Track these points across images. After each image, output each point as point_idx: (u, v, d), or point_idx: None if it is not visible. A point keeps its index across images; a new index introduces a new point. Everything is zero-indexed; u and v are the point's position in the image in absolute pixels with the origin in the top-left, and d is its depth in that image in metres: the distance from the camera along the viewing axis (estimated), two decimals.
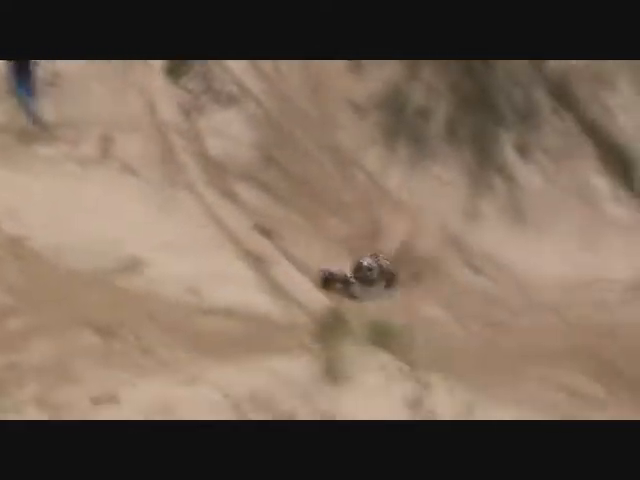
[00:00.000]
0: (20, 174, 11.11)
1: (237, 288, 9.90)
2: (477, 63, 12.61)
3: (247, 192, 11.64)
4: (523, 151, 12.73)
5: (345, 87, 12.94)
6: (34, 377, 7.53)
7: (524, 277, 10.87)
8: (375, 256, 11.09)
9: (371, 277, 10.94)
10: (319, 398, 7.09)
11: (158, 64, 12.50)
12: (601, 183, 12.77)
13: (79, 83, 12.15)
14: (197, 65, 12.56)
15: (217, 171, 11.81)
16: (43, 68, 12.00)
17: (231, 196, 11.56)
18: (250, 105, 12.46)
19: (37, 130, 11.83)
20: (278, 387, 7.19)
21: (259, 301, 9.79)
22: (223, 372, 7.58)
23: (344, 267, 11.09)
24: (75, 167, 11.47)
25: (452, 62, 12.53)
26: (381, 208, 11.93)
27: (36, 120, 11.95)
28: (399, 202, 12.08)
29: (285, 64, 12.68)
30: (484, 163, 12.57)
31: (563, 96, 12.95)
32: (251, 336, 8.91)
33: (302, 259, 10.85)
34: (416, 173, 12.37)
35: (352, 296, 10.90)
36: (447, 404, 7.14)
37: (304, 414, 6.70)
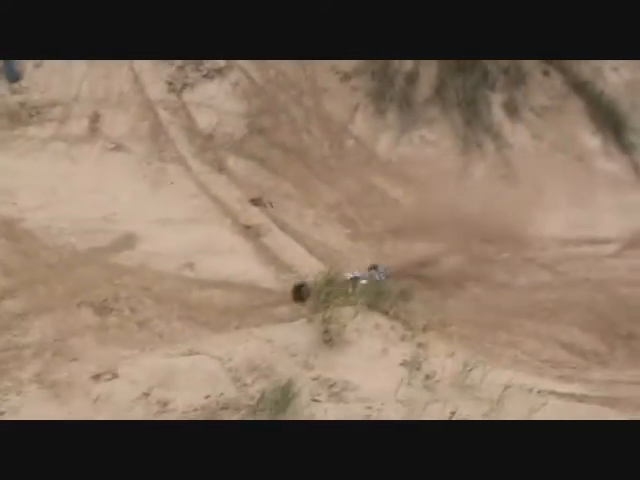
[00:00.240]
0: (11, 156, 11.13)
1: (231, 258, 9.90)
2: None
3: (237, 163, 11.62)
4: (511, 110, 12.73)
5: None
6: (34, 356, 7.59)
7: (516, 235, 10.87)
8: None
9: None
10: (318, 364, 7.13)
11: None
12: (591, 139, 12.77)
13: (65, 61, 12.09)
14: None
15: (206, 143, 11.80)
16: None
17: (221, 168, 11.54)
18: (236, 75, 12.41)
19: (26, 111, 11.82)
20: (276, 355, 7.22)
21: (253, 270, 9.79)
22: (220, 342, 7.62)
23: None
24: (65, 146, 11.46)
25: None
26: (371, 173, 11.89)
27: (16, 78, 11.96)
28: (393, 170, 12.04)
29: None
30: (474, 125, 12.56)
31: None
32: (247, 305, 8.94)
33: (294, 227, 10.82)
34: (405, 137, 12.35)
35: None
36: (445, 365, 7.15)
37: (303, 381, 6.71)
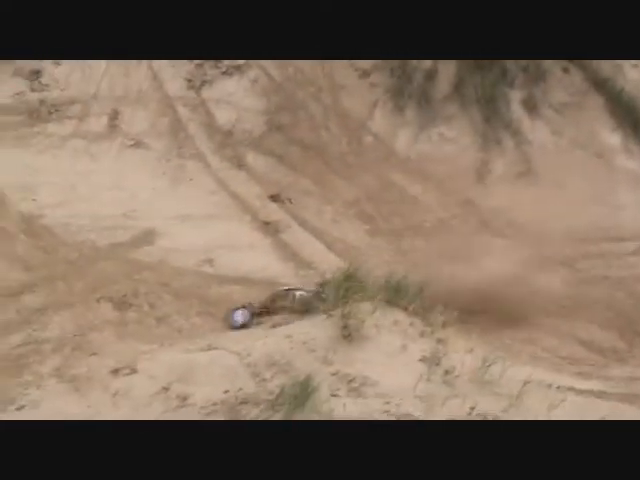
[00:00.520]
0: (30, 153, 11.16)
1: (250, 254, 9.92)
2: None
3: (256, 160, 11.63)
4: (531, 107, 12.67)
5: None
6: (53, 351, 7.63)
7: (535, 232, 10.82)
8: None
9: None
10: (336, 359, 7.13)
11: None
12: (611, 136, 12.70)
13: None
14: None
15: (225, 140, 11.81)
16: None
17: (241, 164, 11.55)
18: (255, 72, 12.41)
19: (45, 108, 11.87)
20: (295, 350, 7.23)
21: (272, 266, 9.81)
22: (239, 337, 7.65)
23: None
24: (84, 143, 11.49)
25: None
26: (390, 170, 11.87)
27: None
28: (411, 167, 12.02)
29: None
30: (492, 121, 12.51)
31: None
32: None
33: (313, 223, 10.83)
34: (423, 134, 12.30)
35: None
36: (465, 361, 7.14)
37: (322, 376, 6.71)
